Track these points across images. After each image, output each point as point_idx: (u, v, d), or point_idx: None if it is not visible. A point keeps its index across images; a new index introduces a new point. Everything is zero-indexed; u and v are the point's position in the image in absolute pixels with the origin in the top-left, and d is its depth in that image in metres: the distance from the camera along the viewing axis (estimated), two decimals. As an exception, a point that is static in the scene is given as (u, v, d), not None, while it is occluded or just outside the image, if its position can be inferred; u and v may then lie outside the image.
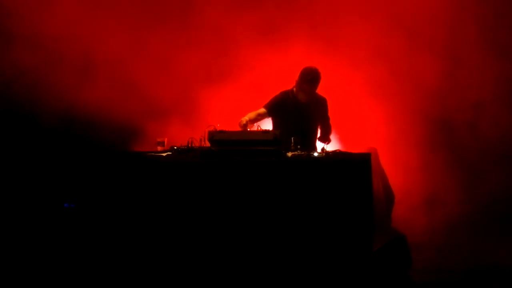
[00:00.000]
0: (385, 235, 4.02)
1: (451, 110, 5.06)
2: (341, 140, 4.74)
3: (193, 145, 3.81)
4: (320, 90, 4.54)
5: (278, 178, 3.54)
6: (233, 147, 3.66)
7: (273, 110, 4.52)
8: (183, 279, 3.51)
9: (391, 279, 3.85)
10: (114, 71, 4.88)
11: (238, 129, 4.12)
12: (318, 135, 4.58)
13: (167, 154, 3.81)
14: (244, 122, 4.18)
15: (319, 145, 4.40)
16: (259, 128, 4.00)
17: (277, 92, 4.60)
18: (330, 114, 4.64)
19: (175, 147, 3.82)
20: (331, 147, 4.25)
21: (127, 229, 3.56)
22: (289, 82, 4.60)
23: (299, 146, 3.82)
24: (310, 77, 4.37)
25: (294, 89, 4.51)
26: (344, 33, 5.12)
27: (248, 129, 4.11)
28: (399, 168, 4.65)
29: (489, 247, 4.52)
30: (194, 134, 3.84)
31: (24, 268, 3.79)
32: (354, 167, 3.57)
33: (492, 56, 5.09)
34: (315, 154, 3.75)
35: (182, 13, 5.14)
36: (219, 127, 3.78)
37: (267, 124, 4.55)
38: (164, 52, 5.04)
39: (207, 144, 3.75)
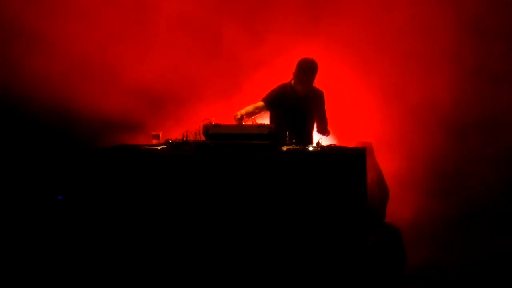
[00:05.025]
0: (380, 230, 4.04)
1: (447, 107, 5.06)
2: (337, 135, 4.73)
3: (188, 138, 3.81)
4: (316, 85, 4.52)
5: (273, 172, 3.53)
6: (228, 141, 3.66)
7: (271, 103, 4.50)
8: (178, 272, 3.53)
9: (385, 274, 3.86)
10: (109, 66, 4.88)
11: (234, 123, 4.12)
12: (316, 127, 4.57)
13: (162, 148, 3.81)
14: (239, 116, 4.17)
15: (318, 137, 4.40)
16: (254, 122, 3.99)
17: (275, 86, 4.59)
18: (326, 108, 4.62)
19: (170, 141, 3.82)
20: (326, 141, 4.25)
21: (121, 222, 3.58)
22: (286, 76, 4.58)
23: (294, 140, 3.81)
24: (307, 67, 4.35)
25: (292, 81, 4.49)
26: (343, 28, 5.11)
27: (244, 123, 4.11)
28: (394, 163, 4.65)
29: (484, 243, 4.53)
30: (189, 127, 3.84)
31: (19, 264, 3.81)
32: (349, 161, 3.56)
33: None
34: (310, 148, 3.74)
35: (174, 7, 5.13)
36: (214, 120, 3.78)
37: (264, 118, 4.55)
38: (159, 47, 5.05)
39: (202, 137, 3.75)
